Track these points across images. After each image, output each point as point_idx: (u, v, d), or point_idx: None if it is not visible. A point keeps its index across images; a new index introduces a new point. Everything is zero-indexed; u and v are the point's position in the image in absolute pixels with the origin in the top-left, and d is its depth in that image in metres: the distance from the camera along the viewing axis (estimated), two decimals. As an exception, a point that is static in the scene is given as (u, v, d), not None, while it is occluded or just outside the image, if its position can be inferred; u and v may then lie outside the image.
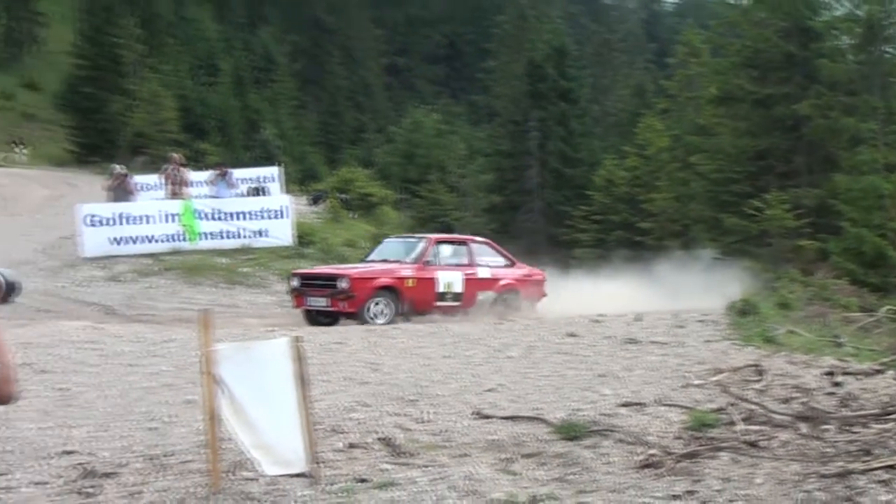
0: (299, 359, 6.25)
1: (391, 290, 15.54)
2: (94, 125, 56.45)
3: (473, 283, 16.43)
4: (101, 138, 55.00)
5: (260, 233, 20.13)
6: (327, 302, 15.18)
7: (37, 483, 6.40)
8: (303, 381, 6.24)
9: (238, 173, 25.81)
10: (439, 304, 16.05)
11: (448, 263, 16.58)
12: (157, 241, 19.65)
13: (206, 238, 19.88)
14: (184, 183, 22.15)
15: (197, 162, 43.05)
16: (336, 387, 9.28)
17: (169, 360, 10.46)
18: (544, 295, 17.59)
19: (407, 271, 15.98)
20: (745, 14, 36.39)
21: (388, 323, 14.93)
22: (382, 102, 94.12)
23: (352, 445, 7.13)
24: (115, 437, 7.52)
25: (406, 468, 6.55)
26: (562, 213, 46.30)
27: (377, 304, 15.33)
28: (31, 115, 69.50)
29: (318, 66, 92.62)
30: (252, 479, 6.28)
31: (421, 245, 16.72)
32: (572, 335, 12.64)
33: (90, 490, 6.22)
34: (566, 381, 9.71)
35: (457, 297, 16.23)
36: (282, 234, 20.32)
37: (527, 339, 12.33)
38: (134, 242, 19.57)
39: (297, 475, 6.19)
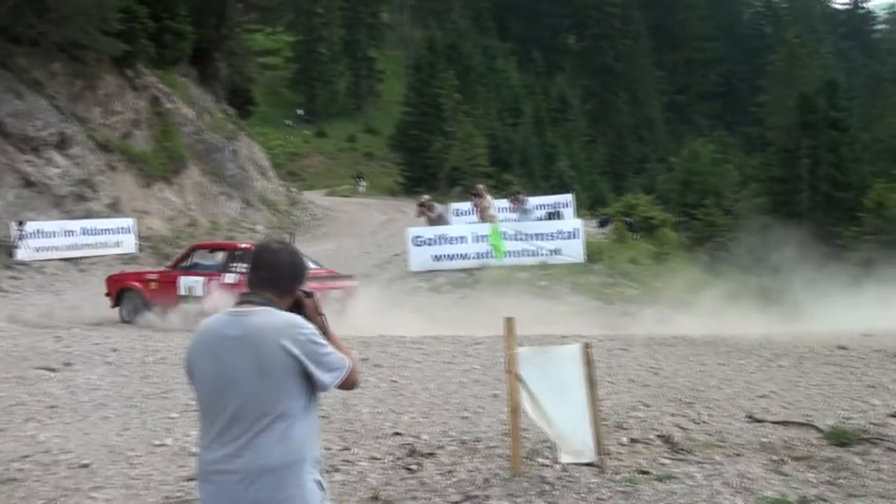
0: (589, 362, 6.25)
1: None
2: (420, 161, 58.85)
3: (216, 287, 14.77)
4: (424, 172, 57.26)
5: (555, 251, 20.16)
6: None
7: (371, 458, 6.76)
8: (592, 382, 6.22)
9: (537, 200, 26.07)
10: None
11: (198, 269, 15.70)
12: (469, 258, 20.20)
13: (510, 256, 20.20)
14: (491, 209, 22.63)
15: (502, 191, 43.99)
16: (620, 388, 9.17)
17: (479, 360, 10.72)
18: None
19: (152, 275, 16.04)
20: None
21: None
22: (663, 136, 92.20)
23: (634, 441, 7.02)
24: (434, 423, 7.80)
25: (684, 464, 6.36)
26: (832, 233, 43.37)
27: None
28: (370, 154, 73.74)
29: (606, 106, 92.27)
30: (547, 466, 6.32)
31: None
32: (842, 348, 11.79)
33: (413, 467, 6.49)
34: (835, 390, 9.07)
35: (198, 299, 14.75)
36: (574, 252, 20.27)
37: (797, 351, 11.63)
38: (451, 259, 20.22)
39: (586, 464, 6.17)
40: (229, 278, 14.77)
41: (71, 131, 26.60)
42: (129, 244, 24.44)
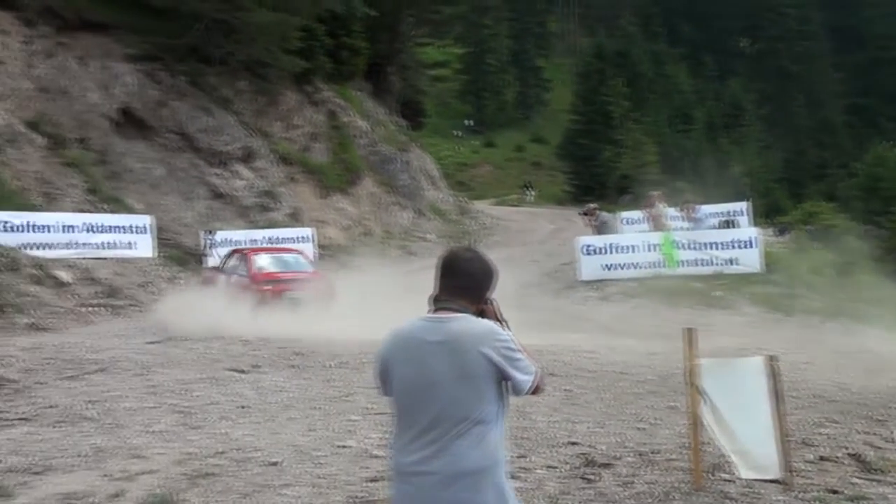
0: (774, 375, 6.03)
1: None
2: (588, 170, 58.42)
3: None
4: (593, 181, 56.79)
5: (731, 261, 19.53)
6: None
7: (547, 467, 6.75)
8: (778, 396, 6.00)
9: (710, 208, 25.35)
10: None
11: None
12: (641, 267, 19.85)
13: (683, 265, 19.72)
14: (664, 217, 22.19)
15: (674, 199, 42.92)
16: (805, 403, 8.78)
17: (654, 371, 10.51)
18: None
19: None
20: None
21: None
22: (844, 140, 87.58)
23: (822, 458, 6.72)
24: (610, 433, 7.72)
25: (877, 484, 6.04)
26: None
27: None
28: (538, 164, 73.76)
29: (782, 110, 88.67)
30: (729, 481, 6.14)
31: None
32: None
33: (591, 477, 6.44)
34: None
35: None
36: (751, 262, 19.57)
37: None
38: (621, 268, 19.94)
39: (771, 481, 5.95)
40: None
41: (255, 145, 27.98)
42: (310, 252, 25.41)
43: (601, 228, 21.66)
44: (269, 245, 22.55)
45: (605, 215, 22.26)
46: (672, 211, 24.91)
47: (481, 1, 65.11)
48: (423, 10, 44.37)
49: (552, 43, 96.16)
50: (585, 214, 22.34)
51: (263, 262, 17.41)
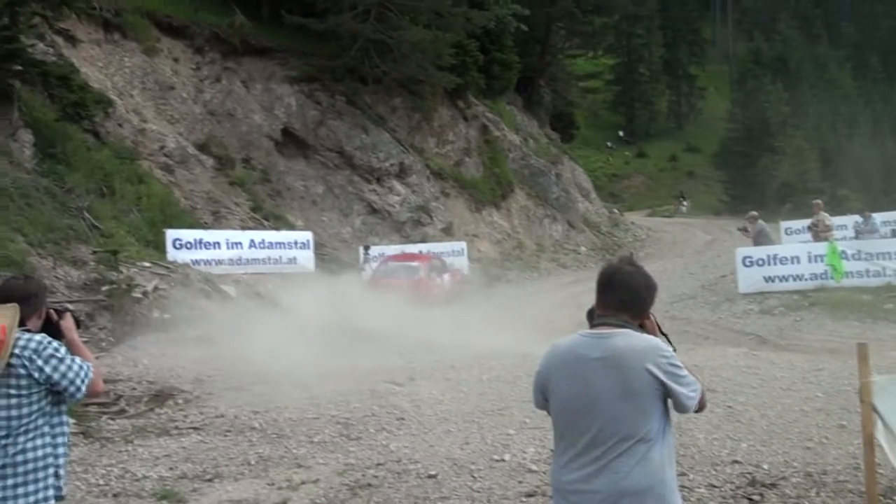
0: (957, 395, 5.61)
1: None
2: (746, 179, 56.43)
3: None
4: (751, 190, 54.79)
5: (901, 272, 18.47)
6: None
7: (710, 485, 6.53)
8: (961, 418, 5.58)
9: (880, 216, 24.10)
10: None
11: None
12: (804, 279, 18.99)
13: (851, 277, 18.73)
14: (827, 227, 21.22)
15: (838, 207, 40.99)
16: None
17: (820, 387, 10.00)
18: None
19: None
20: None
21: None
22: None
23: None
24: (775, 452, 7.40)
25: None
26: None
27: None
28: (692, 173, 71.88)
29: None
30: (908, 506, 5.75)
31: None
32: None
33: (755, 497, 6.19)
34: None
35: None
36: (925, 273, 18.42)
37: None
38: (783, 280, 19.13)
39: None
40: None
41: (409, 161, 28.51)
42: (463, 265, 25.62)
43: (757, 238, 20.90)
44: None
45: (761, 224, 21.44)
46: (838, 219, 23.88)
47: (633, 10, 64.05)
48: (573, 21, 44.15)
49: (706, 50, 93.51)
50: (744, 230, 21.57)
51: (386, 266, 22.12)
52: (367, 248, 24.16)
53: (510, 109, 38.63)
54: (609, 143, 78.46)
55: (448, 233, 27.83)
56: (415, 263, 22.08)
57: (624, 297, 3.27)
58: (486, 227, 30.53)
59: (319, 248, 23.15)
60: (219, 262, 19.88)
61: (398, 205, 27.41)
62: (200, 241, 19.94)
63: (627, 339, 3.17)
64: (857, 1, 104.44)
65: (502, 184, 32.52)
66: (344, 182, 26.95)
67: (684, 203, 57.23)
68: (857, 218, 22.97)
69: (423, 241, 26.26)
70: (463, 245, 26.18)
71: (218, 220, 22.17)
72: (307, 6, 27.26)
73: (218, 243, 20.39)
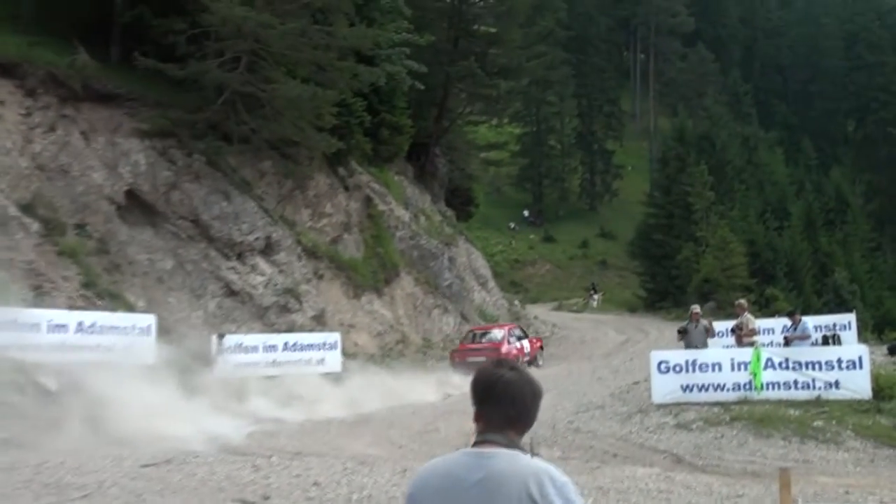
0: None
1: None
2: (664, 271, 58.08)
3: None
4: (670, 284, 56.45)
5: (833, 384, 19.14)
6: None
7: None
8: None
9: (809, 320, 25.05)
10: None
11: None
12: (726, 389, 19.46)
13: (777, 388, 19.33)
14: (752, 331, 21.89)
15: (766, 308, 42.63)
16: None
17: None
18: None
19: None
20: None
21: None
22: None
23: None
24: None
25: None
26: None
27: None
28: (605, 263, 73.70)
29: (894, 206, 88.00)
30: None
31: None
32: None
33: None
34: None
35: None
36: (857, 386, 19.11)
37: None
38: (703, 390, 19.56)
39: None
40: None
41: (278, 235, 28.35)
42: (334, 362, 25.40)
43: (686, 339, 21.44)
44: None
45: (690, 325, 21.97)
46: (782, 322, 24.72)
47: (544, 74, 65.97)
48: (475, 83, 45.13)
49: (624, 123, 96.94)
50: (683, 333, 22.02)
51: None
52: (221, 336, 23.74)
53: (399, 180, 39.01)
54: (512, 224, 79.93)
55: (320, 321, 27.63)
56: (496, 331, 31.38)
57: (509, 410, 3.24)
58: (365, 316, 30.44)
59: (163, 334, 22.59)
60: (37, 349, 19.15)
61: (262, 286, 27.12)
62: (15, 322, 19.21)
63: (512, 460, 3.13)
64: (791, 78, 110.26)
65: (386, 266, 32.62)
66: (198, 257, 26.54)
67: (595, 296, 58.41)
68: (786, 321, 23.82)
69: (289, 329, 25.99)
70: (336, 337, 26.00)
71: (40, 297, 21.44)
72: (165, 49, 27.07)
73: (37, 325, 19.70)
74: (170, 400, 17.56)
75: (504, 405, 3.23)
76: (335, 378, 24.54)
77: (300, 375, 23.29)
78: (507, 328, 31.82)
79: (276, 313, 26.90)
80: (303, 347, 24.86)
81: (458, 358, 28.21)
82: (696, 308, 23.04)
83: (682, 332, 22.01)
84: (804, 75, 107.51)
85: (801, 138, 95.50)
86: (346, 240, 32.09)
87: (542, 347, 33.28)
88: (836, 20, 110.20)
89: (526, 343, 31.17)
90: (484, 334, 31.26)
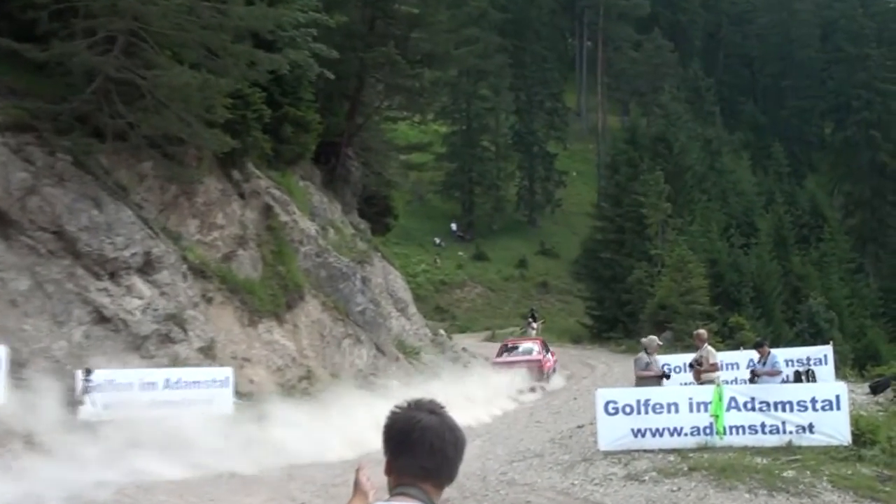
0: None
1: None
2: (613, 295, 58.65)
3: None
4: (620, 311, 56.99)
5: (807, 428, 19.47)
6: None
7: None
8: None
9: (778, 353, 25.46)
10: None
11: None
12: (683, 433, 19.71)
13: (741, 433, 19.60)
14: (713, 365, 22.18)
15: (729, 339, 43.27)
16: None
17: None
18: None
19: None
20: None
21: None
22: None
23: None
24: None
25: None
26: None
27: None
28: (545, 285, 74.26)
29: (878, 221, 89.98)
30: None
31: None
32: None
33: None
34: None
35: None
36: (834, 430, 19.48)
37: None
38: (657, 435, 19.77)
39: None
40: None
41: (159, 251, 27.99)
42: (224, 402, 25.15)
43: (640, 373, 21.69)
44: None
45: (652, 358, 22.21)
46: (731, 355, 25.03)
47: (476, 63, 66.26)
48: (395, 73, 45.07)
49: (569, 123, 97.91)
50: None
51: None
52: (88, 372, 23.32)
53: (305, 186, 38.85)
54: (437, 240, 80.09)
55: (208, 354, 27.31)
56: (530, 344, 41.23)
57: (427, 462, 3.25)
58: (263, 347, 30.19)
59: (16, 369, 22.14)
60: None
61: (139, 312, 26.74)
62: None
63: None
64: (760, 72, 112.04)
65: (289, 288, 32.40)
66: (61, 276, 26.08)
67: (535, 325, 58.66)
68: (753, 354, 24.17)
69: (172, 364, 25.66)
70: (228, 372, 25.76)
71: None
72: (24, 25, 26.57)
73: None
74: (21, 449, 17.22)
75: (421, 455, 3.23)
76: (226, 422, 24.27)
77: (184, 419, 22.98)
78: (539, 341, 42.23)
79: (156, 344, 26.52)
80: (188, 385, 24.58)
81: (504, 368, 37.13)
82: (655, 339, 23.28)
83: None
84: (775, 69, 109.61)
85: (772, 142, 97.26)
86: (240, 256, 31.81)
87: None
88: (813, 5, 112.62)
89: (550, 357, 40.36)
90: (515, 348, 41.24)
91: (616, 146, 75.97)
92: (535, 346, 40.50)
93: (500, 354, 40.65)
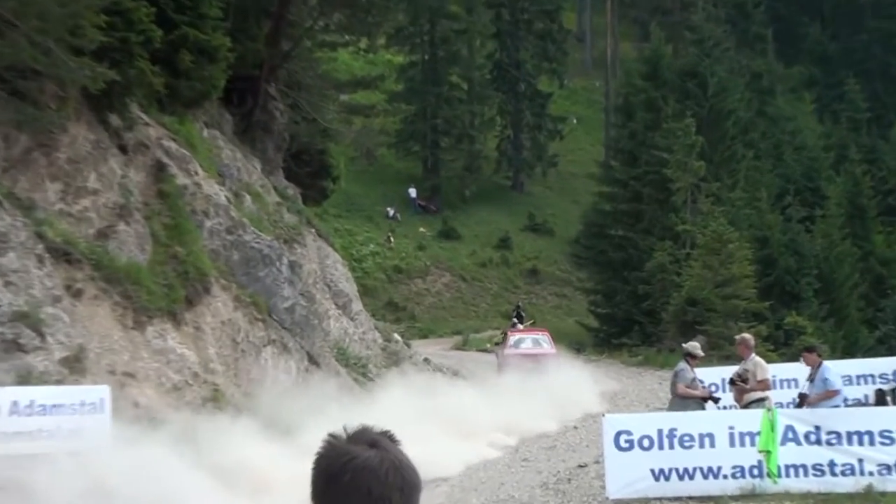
0: None
1: None
2: (627, 287, 58.39)
3: None
4: (635, 307, 56.89)
5: (892, 467, 19.52)
6: None
7: None
8: None
9: (848, 366, 25.49)
10: None
11: None
12: (722, 475, 19.72)
13: (800, 474, 19.65)
14: (763, 382, 22.03)
15: (785, 346, 43.36)
16: None
17: None
18: None
19: None
20: None
21: None
22: None
23: None
24: None
25: None
26: None
27: None
28: (535, 272, 74.10)
29: None
30: None
31: None
32: None
33: None
34: None
35: None
36: (927, 470, 19.62)
37: None
38: (686, 478, 19.80)
39: None
40: None
41: (4, 226, 27.80)
42: (100, 433, 24.89)
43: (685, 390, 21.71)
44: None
45: (686, 369, 22.24)
46: (787, 369, 25.05)
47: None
48: (333, -18, 44.95)
49: (568, 52, 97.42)
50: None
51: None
52: None
53: (211, 137, 38.69)
54: (391, 211, 79.71)
55: (75, 367, 27.18)
56: (538, 336, 46.33)
57: None
58: (154, 358, 30.06)
59: None
60: None
61: (-21, 310, 26.67)
62: None
63: None
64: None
65: (189, 277, 32.25)
66: None
67: (520, 327, 58.79)
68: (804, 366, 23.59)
69: (22, 381, 25.46)
70: (103, 392, 25.59)
71: None
72: None
73: None
74: None
75: (364, 500, 3.21)
76: (102, 461, 24.12)
77: (40, 457, 22.87)
78: (545, 332, 48.00)
79: (1, 354, 26.43)
80: (46, 410, 24.39)
81: (512, 363, 40.78)
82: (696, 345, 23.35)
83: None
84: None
85: (845, 78, 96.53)
86: (121, 233, 31.60)
87: None
88: None
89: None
90: (523, 340, 46.42)
91: (631, 83, 75.34)
92: (543, 338, 45.37)
93: (512, 345, 44.89)
